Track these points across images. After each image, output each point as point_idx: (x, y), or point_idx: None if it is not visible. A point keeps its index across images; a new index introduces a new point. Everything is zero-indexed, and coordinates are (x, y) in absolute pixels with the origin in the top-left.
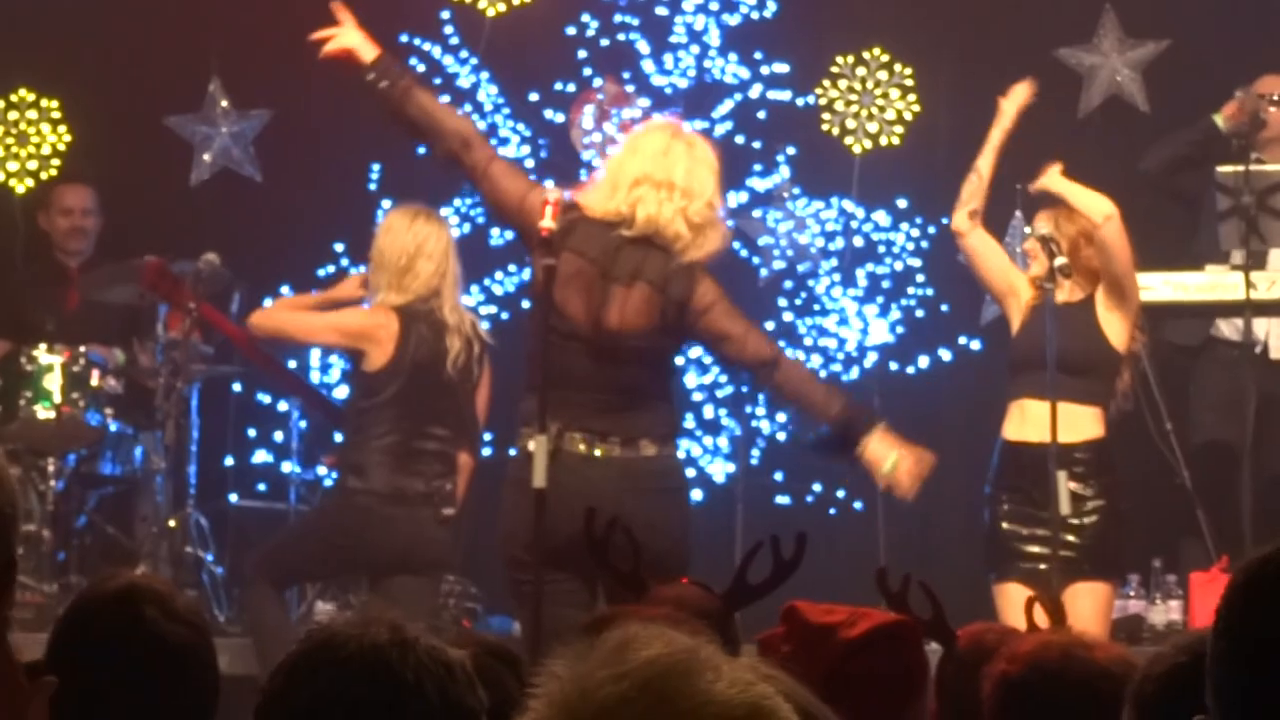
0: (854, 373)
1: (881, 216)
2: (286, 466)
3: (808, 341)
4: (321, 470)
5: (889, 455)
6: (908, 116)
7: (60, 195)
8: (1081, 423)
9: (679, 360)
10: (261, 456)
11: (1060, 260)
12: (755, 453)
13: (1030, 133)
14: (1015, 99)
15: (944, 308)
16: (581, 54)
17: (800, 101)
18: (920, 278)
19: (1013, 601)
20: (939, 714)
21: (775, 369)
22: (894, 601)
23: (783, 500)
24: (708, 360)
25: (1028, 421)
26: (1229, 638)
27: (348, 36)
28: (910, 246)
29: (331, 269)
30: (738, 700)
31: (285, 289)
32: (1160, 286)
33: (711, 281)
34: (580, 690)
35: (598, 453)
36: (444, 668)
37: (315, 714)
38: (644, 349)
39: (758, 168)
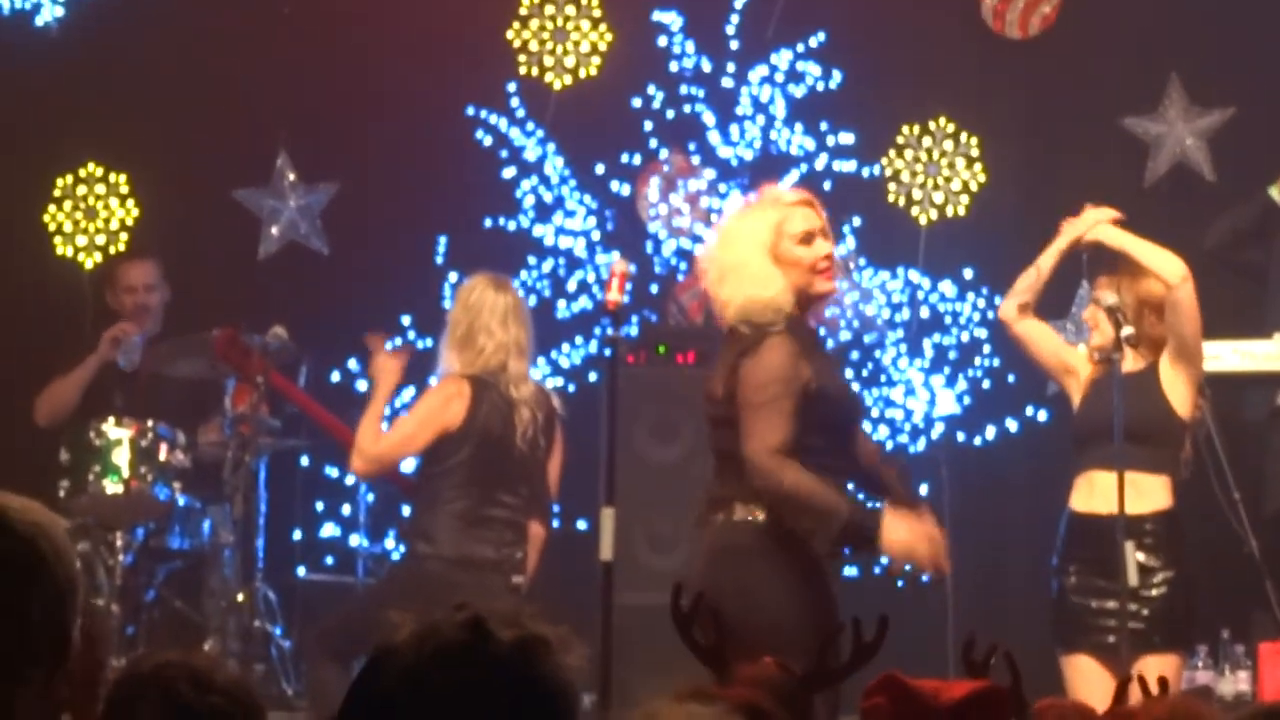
0: (921, 444)
1: (947, 287)
2: (354, 540)
3: (874, 413)
4: (389, 543)
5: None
6: (974, 187)
7: (124, 273)
8: (1150, 493)
9: None
10: (329, 530)
11: (1127, 330)
12: None
13: (1095, 201)
14: (1081, 225)
15: (1010, 378)
16: (647, 125)
17: (866, 172)
18: (986, 348)
19: (1082, 674)
20: None
21: None
22: (976, 670)
23: (850, 572)
24: None
25: (1095, 493)
26: None
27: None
28: (976, 317)
29: (398, 341)
30: None
31: (352, 362)
32: (1228, 355)
33: None
34: None
35: None
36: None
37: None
38: None
39: None
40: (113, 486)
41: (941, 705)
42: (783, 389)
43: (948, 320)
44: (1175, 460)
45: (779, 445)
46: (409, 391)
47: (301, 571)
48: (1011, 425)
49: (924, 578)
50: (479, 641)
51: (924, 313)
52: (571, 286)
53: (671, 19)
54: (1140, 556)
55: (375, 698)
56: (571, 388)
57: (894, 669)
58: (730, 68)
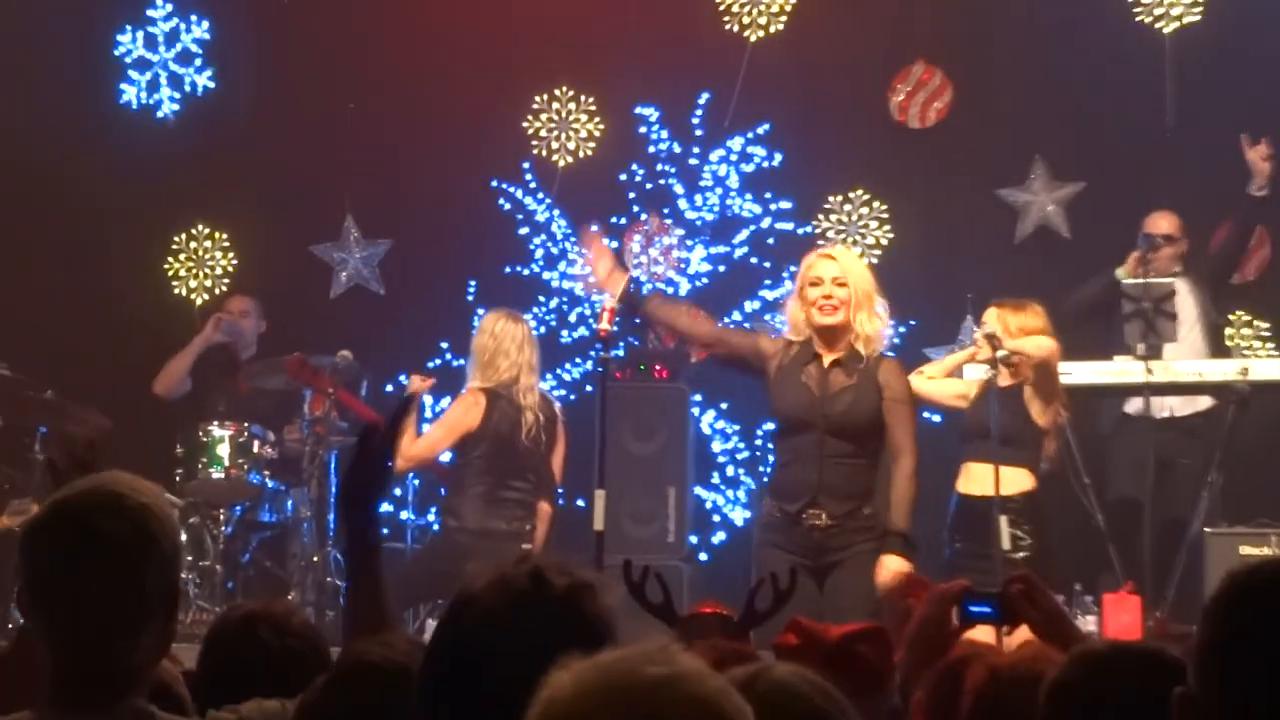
0: None
1: None
2: (404, 514)
3: None
4: (430, 517)
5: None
6: (884, 242)
7: (229, 303)
8: (1015, 480)
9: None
10: (384, 506)
11: (1003, 352)
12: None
13: (977, 255)
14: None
15: None
16: (631, 194)
17: (800, 230)
18: None
19: None
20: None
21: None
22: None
23: None
24: (729, 430)
25: (974, 479)
26: (1223, 627)
27: (604, 263)
28: (885, 343)
29: (438, 362)
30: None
31: (403, 377)
32: (1081, 372)
33: None
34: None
35: None
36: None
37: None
38: None
39: (768, 282)
40: (217, 474)
41: (832, 639)
42: None
43: None
44: (1035, 456)
45: None
46: (446, 400)
47: None
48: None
49: None
50: (539, 587)
51: None
52: (572, 319)
53: (650, 112)
54: (1010, 529)
55: (458, 636)
56: (573, 397)
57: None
58: (695, 149)
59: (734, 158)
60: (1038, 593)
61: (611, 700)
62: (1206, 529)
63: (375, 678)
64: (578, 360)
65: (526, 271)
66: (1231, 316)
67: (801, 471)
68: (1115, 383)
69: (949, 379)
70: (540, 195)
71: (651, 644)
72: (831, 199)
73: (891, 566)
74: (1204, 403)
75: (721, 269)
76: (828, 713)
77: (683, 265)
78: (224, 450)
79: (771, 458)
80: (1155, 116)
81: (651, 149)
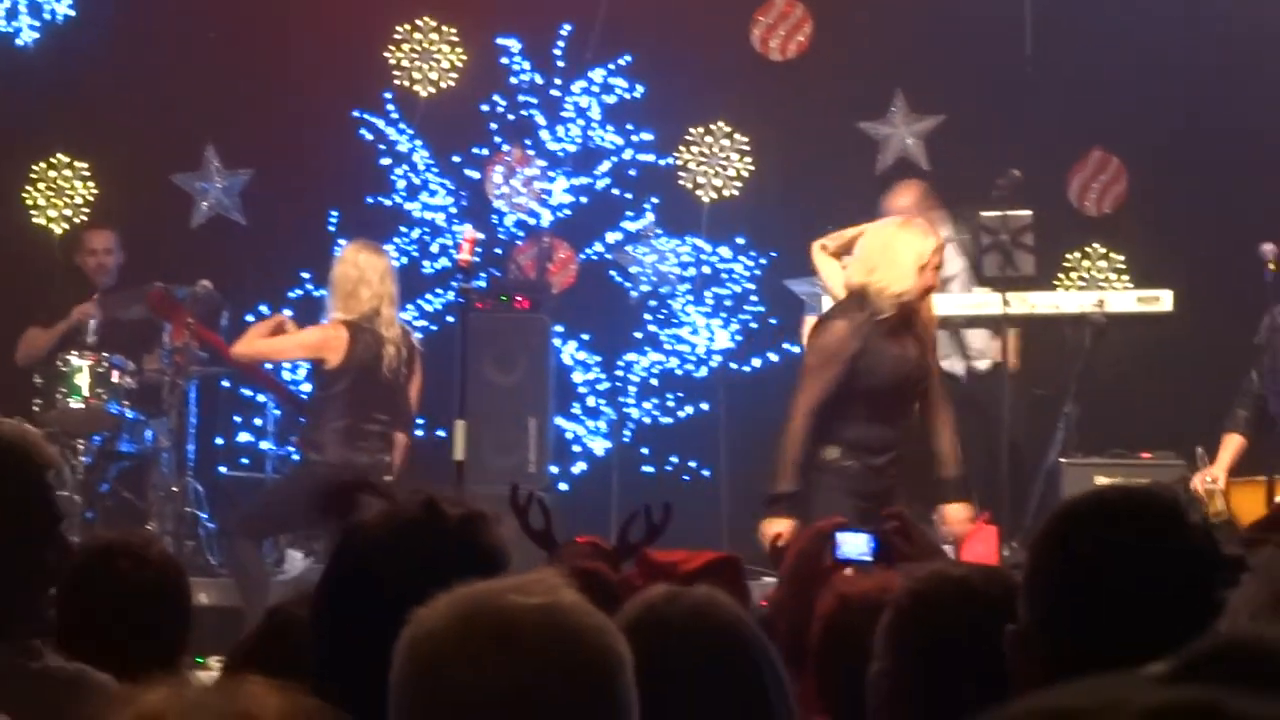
0: (703, 371)
1: (725, 251)
2: (264, 445)
3: (667, 346)
4: (290, 448)
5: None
6: (744, 174)
7: (89, 239)
8: None
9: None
10: (245, 437)
11: None
12: (627, 433)
13: (838, 187)
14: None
15: (773, 321)
16: (493, 125)
17: (662, 162)
18: (754, 298)
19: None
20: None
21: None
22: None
23: (648, 469)
24: (591, 361)
25: None
26: (1051, 558)
27: None
28: (746, 274)
29: (299, 292)
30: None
31: (264, 308)
32: (941, 304)
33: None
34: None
35: None
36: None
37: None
38: None
39: (629, 213)
40: (76, 403)
41: (680, 573)
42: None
43: (724, 276)
44: None
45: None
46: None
47: (223, 469)
48: (773, 357)
49: (705, 472)
50: (432, 517)
51: (706, 270)
52: (434, 249)
53: (512, 43)
54: None
55: (351, 565)
56: (434, 328)
57: (663, 547)
58: (557, 81)
59: (596, 89)
60: (913, 530)
61: (477, 626)
62: (1062, 459)
63: (301, 633)
64: (439, 291)
65: (388, 202)
66: (1088, 249)
67: (890, 430)
68: (975, 314)
69: (836, 269)
70: (402, 126)
71: (533, 575)
72: (693, 131)
73: (961, 515)
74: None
75: (583, 200)
76: (743, 627)
77: (545, 196)
78: (83, 380)
79: (632, 389)
80: (1014, 48)
81: (514, 80)
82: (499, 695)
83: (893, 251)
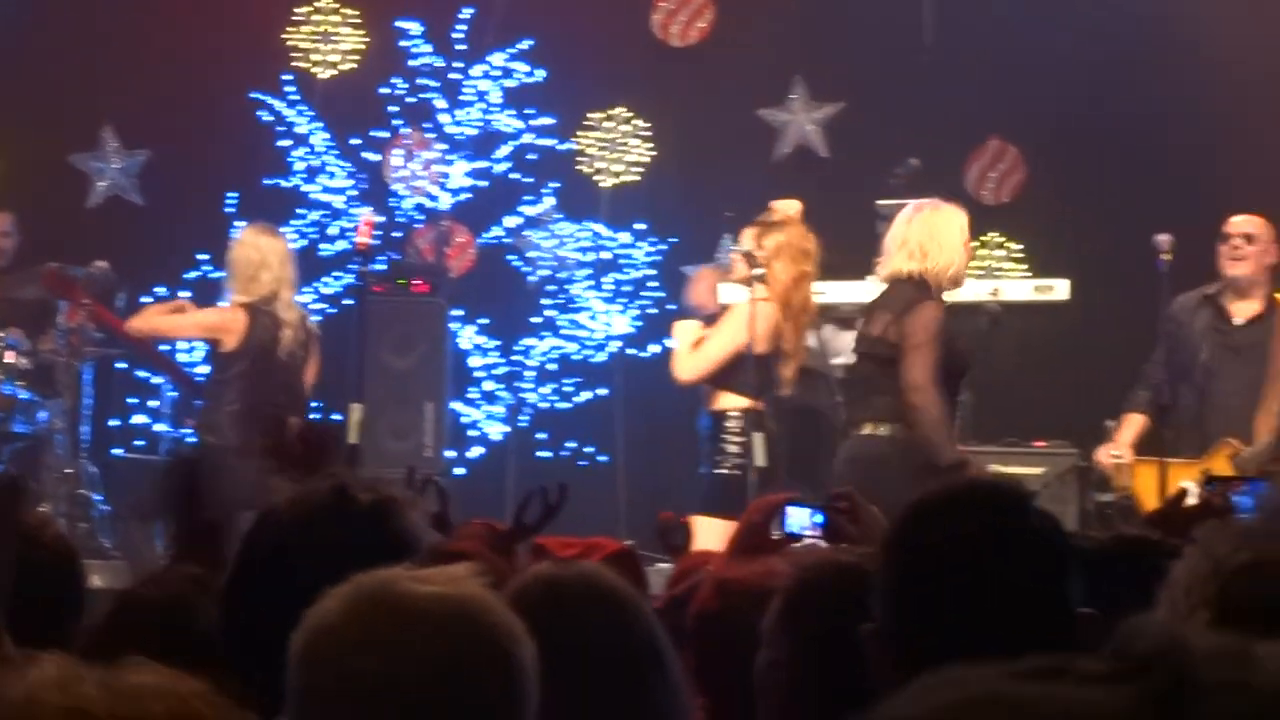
0: (602, 356)
1: (624, 236)
2: (159, 427)
3: (566, 331)
4: (186, 431)
5: None
6: (644, 159)
7: None
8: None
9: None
10: (140, 419)
11: (759, 270)
12: (524, 418)
13: (737, 173)
14: None
15: (671, 307)
16: (393, 108)
17: (561, 147)
18: (653, 284)
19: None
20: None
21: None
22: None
23: (545, 455)
24: (488, 345)
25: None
26: (897, 556)
27: None
28: (645, 260)
29: (196, 273)
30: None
31: (160, 289)
32: (834, 292)
33: None
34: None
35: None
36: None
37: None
38: None
39: (529, 197)
40: None
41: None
42: None
43: (623, 262)
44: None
45: None
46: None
47: (117, 452)
48: (671, 343)
49: (602, 458)
50: (343, 502)
51: (605, 255)
52: (332, 232)
53: (412, 26)
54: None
55: (261, 550)
56: (332, 311)
57: (560, 533)
58: (457, 64)
59: (496, 73)
60: (861, 512)
61: (374, 614)
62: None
63: (153, 614)
64: (337, 274)
65: (286, 184)
66: (985, 238)
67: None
68: (868, 302)
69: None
70: (301, 108)
71: (440, 568)
72: (593, 116)
73: None
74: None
75: (482, 184)
76: (631, 598)
77: (443, 180)
78: None
79: (529, 374)
80: (913, 37)
81: (413, 63)
82: (393, 682)
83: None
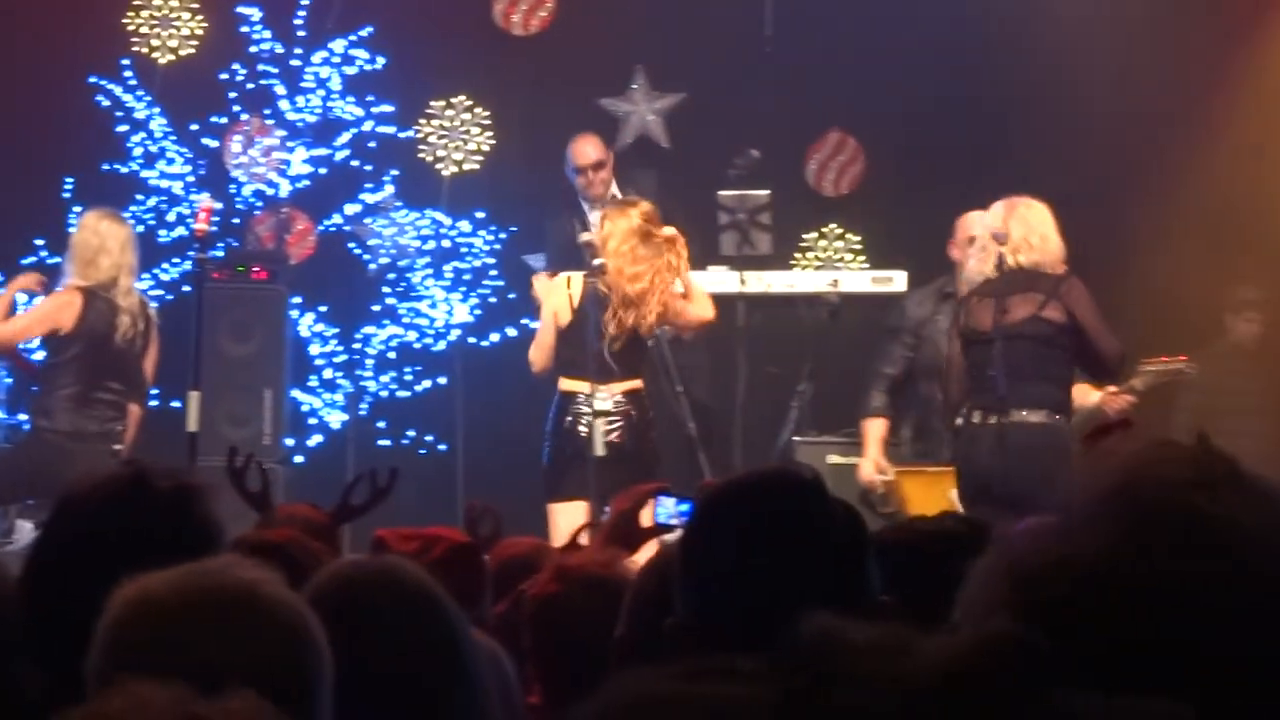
0: (442, 345)
1: (465, 225)
2: None
3: (406, 320)
4: (21, 416)
5: None
6: (485, 148)
7: None
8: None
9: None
10: None
11: (600, 260)
12: (364, 406)
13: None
14: None
15: (511, 296)
16: (232, 94)
17: (402, 135)
18: (494, 273)
19: (566, 516)
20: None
21: None
22: (470, 525)
23: (385, 443)
24: (328, 333)
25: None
26: (694, 545)
27: None
28: (486, 248)
29: (32, 259)
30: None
31: None
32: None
33: None
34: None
35: None
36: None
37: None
38: None
39: (369, 185)
40: None
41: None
42: None
43: (464, 250)
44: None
45: None
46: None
47: None
48: (511, 332)
49: (442, 447)
50: (142, 489)
51: (445, 244)
52: (171, 218)
53: (252, 11)
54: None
55: (60, 536)
56: (169, 297)
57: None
58: (297, 51)
59: (336, 60)
60: None
61: (184, 604)
62: (796, 438)
63: None
64: (175, 260)
65: (124, 169)
66: (824, 229)
67: None
68: (711, 292)
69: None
70: (140, 93)
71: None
72: (434, 104)
73: None
74: None
75: (322, 171)
76: (433, 593)
77: (283, 166)
78: None
79: (369, 362)
80: (754, 28)
81: (253, 49)
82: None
83: (1045, 226)
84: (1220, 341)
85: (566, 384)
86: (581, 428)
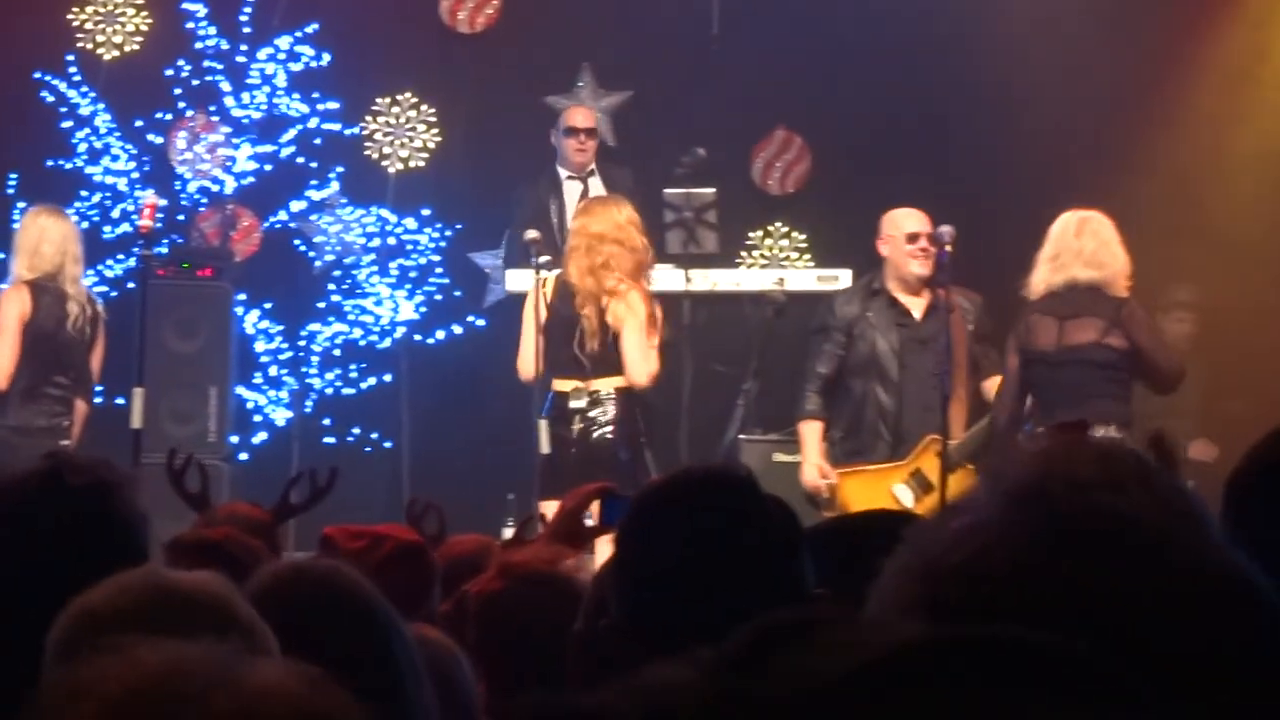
0: (387, 342)
1: (410, 222)
2: None
3: (351, 317)
4: None
5: None
6: (431, 145)
7: None
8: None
9: None
10: None
11: (545, 258)
12: (309, 403)
13: (525, 161)
14: None
15: (457, 293)
16: (177, 90)
17: (348, 132)
18: (439, 270)
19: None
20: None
21: None
22: (413, 521)
23: (330, 440)
24: (273, 330)
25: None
26: (629, 547)
27: None
28: (432, 246)
29: None
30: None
31: None
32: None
33: None
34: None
35: None
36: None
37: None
38: None
39: (314, 182)
40: None
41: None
42: None
43: (409, 248)
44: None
45: None
46: None
47: None
48: (457, 329)
49: (387, 444)
50: (57, 485)
51: (391, 241)
52: (115, 215)
53: (198, 8)
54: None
55: None
56: (114, 294)
57: (345, 519)
58: (243, 47)
59: (282, 56)
60: None
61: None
62: (741, 436)
63: None
64: (120, 256)
65: (69, 165)
66: (770, 228)
67: None
68: (656, 290)
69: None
70: (85, 88)
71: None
72: (380, 101)
73: None
74: None
75: (268, 168)
76: (370, 597)
77: (229, 163)
78: None
79: (314, 359)
80: (701, 26)
81: (199, 45)
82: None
83: (1115, 241)
84: None
85: (554, 384)
86: (563, 428)
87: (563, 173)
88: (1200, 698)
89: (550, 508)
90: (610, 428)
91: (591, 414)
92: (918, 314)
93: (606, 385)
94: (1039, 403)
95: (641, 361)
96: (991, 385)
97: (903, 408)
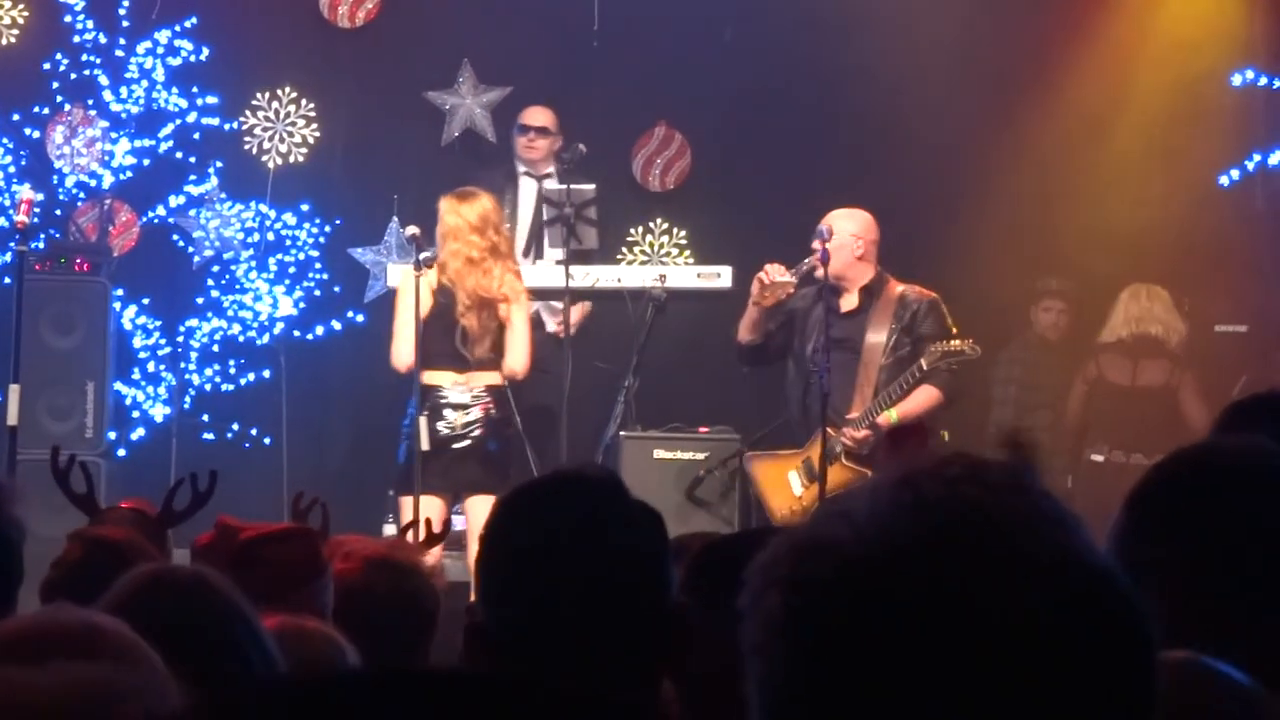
0: (266, 338)
1: (289, 217)
2: None
3: (230, 313)
4: None
5: None
6: (310, 140)
7: None
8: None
9: None
10: None
11: (426, 255)
12: (187, 399)
13: (405, 156)
14: None
15: (336, 289)
16: (55, 84)
17: (227, 126)
18: (318, 265)
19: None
20: None
21: None
22: (299, 516)
23: (209, 436)
24: (151, 326)
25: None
26: (493, 546)
27: None
28: (311, 241)
29: None
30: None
31: None
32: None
33: None
34: None
35: None
36: None
37: None
38: None
39: (193, 177)
40: None
41: (243, 539)
42: None
43: (288, 243)
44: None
45: None
46: None
47: None
48: (336, 325)
49: (266, 440)
50: None
51: (270, 236)
52: None
53: (76, 1)
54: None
55: None
56: None
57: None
58: (122, 41)
59: (160, 50)
60: None
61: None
62: (622, 433)
63: None
64: None
65: None
66: (651, 224)
67: None
68: (538, 287)
69: None
70: None
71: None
72: (259, 96)
73: None
74: None
75: (146, 163)
76: (225, 605)
77: (107, 158)
78: None
79: (193, 355)
80: (582, 22)
81: (76, 39)
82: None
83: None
84: (1028, 333)
85: (426, 377)
86: (441, 423)
87: (520, 168)
88: (1033, 677)
89: (427, 503)
90: (480, 420)
91: (465, 406)
92: (845, 310)
93: (479, 379)
94: (1110, 429)
95: (522, 353)
96: (921, 391)
97: (814, 402)
